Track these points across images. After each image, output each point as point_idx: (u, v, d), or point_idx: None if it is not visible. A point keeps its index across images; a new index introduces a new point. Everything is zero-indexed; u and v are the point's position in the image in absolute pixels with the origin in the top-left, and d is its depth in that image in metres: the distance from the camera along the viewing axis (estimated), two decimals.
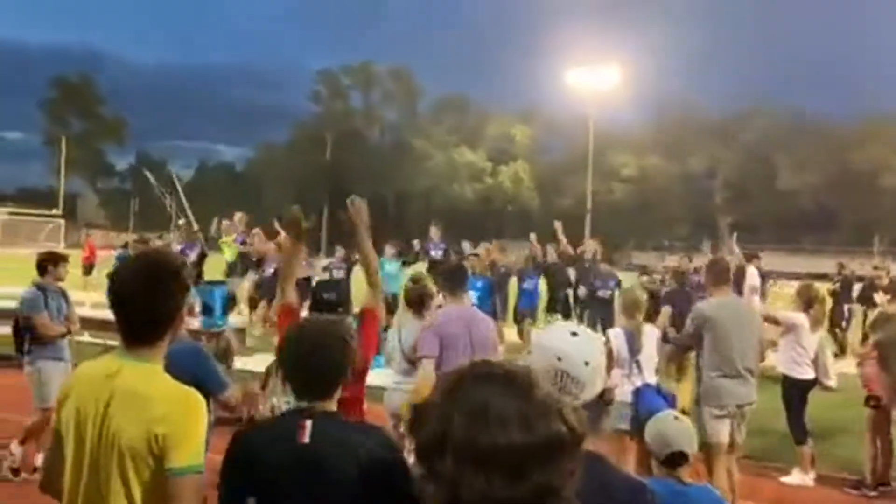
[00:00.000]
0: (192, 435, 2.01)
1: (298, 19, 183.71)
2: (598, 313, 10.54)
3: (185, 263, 2.29)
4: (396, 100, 77.55)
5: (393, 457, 2.09)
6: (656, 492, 1.87)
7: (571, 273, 12.02)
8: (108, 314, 2.35)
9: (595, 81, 47.30)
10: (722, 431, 5.01)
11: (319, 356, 2.19)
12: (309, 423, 2.10)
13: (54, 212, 48.68)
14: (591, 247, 12.37)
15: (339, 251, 12.72)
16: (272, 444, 2.11)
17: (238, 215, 13.66)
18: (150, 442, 1.96)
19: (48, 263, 6.15)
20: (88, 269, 20.81)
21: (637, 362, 5.19)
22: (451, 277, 4.93)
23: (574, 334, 1.95)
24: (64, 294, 6.25)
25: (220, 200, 75.11)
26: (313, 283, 5.64)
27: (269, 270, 12.06)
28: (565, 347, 1.88)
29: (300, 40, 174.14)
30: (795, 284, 7.35)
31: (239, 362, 6.87)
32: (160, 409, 1.98)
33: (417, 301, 5.43)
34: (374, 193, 73.57)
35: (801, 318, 6.44)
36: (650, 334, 5.50)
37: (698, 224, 62.71)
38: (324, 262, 13.28)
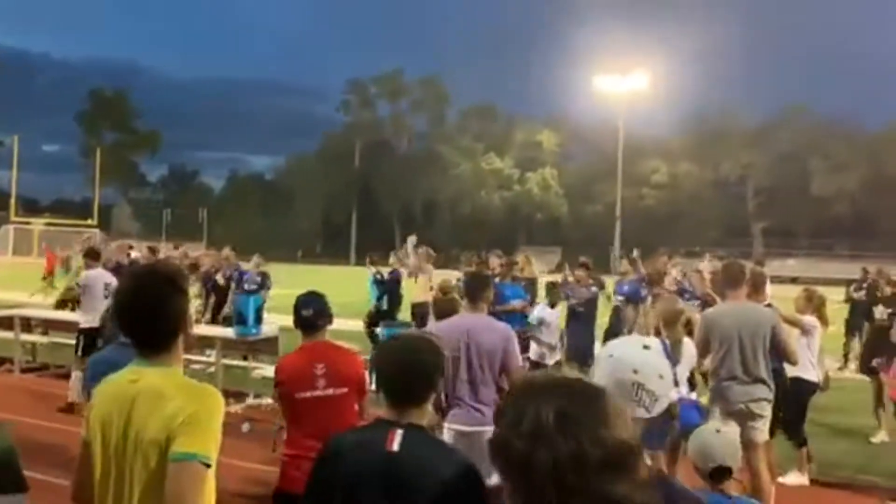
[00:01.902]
0: (204, 426, 2.01)
1: (327, 30, 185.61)
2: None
3: (180, 271, 2.36)
4: (424, 108, 77.85)
5: (474, 480, 2.12)
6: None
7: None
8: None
9: (624, 87, 47.10)
10: (734, 428, 4.99)
11: (413, 367, 2.27)
12: (400, 431, 2.16)
13: (89, 222, 49.62)
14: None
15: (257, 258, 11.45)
16: (361, 447, 2.19)
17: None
18: (168, 435, 1.99)
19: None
20: (48, 276, 20.99)
21: (674, 374, 5.11)
22: (469, 284, 4.92)
23: (646, 347, 1.96)
24: None
25: (250, 210, 76.34)
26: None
27: None
28: (640, 360, 1.89)
29: (329, 51, 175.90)
30: (831, 290, 7.57)
31: None
32: (177, 402, 2.02)
33: (444, 310, 5.40)
34: (402, 202, 74.09)
35: (816, 322, 6.63)
36: (688, 345, 5.43)
37: (730, 230, 61.98)
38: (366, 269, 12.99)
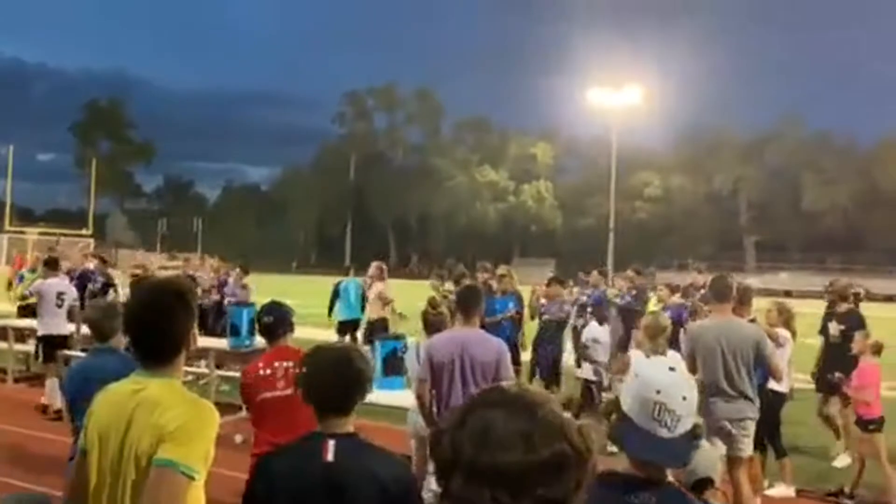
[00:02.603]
0: (193, 437, 2.03)
1: (323, 42, 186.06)
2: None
3: (190, 288, 2.42)
4: (419, 121, 78.09)
5: (411, 482, 2.27)
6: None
7: None
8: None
9: (617, 100, 47.32)
10: (717, 446, 5.02)
11: (350, 376, 2.36)
12: (332, 442, 2.24)
13: (84, 232, 49.48)
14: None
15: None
16: (297, 462, 2.24)
17: None
18: (157, 441, 2.02)
19: None
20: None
21: None
22: (462, 298, 4.95)
23: (672, 369, 2.01)
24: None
25: (245, 220, 76.30)
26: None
27: None
28: (665, 381, 1.94)
29: (325, 62, 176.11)
30: (821, 304, 7.43)
31: None
32: (172, 412, 2.05)
33: (433, 325, 5.47)
34: (397, 213, 74.20)
35: (788, 334, 6.71)
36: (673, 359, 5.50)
37: (723, 244, 62.17)
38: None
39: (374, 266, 11.69)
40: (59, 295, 8.77)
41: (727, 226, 64.79)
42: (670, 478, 2.02)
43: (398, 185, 71.68)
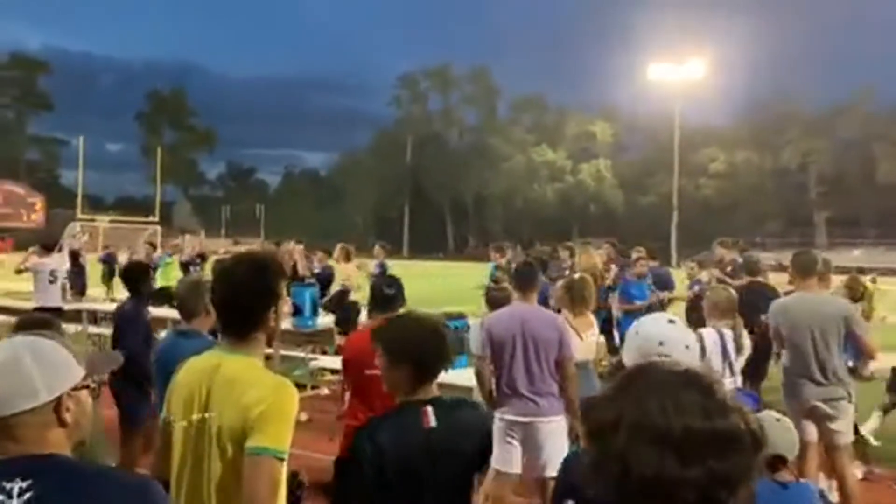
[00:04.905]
0: (280, 420, 2.04)
1: (377, 26, 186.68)
2: None
3: (279, 265, 2.39)
4: (475, 101, 77.81)
5: (489, 424, 2.47)
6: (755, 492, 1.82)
7: None
8: None
9: (679, 75, 46.17)
10: (807, 430, 4.78)
11: (433, 343, 2.37)
12: (430, 408, 2.25)
13: (151, 219, 51.01)
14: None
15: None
16: (401, 430, 2.24)
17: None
18: (245, 424, 2.02)
19: None
20: None
21: (730, 364, 5.00)
22: (519, 276, 4.92)
23: (671, 321, 2.04)
24: None
25: (305, 205, 77.48)
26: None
27: None
28: (666, 333, 1.96)
29: (380, 46, 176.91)
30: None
31: None
32: (255, 393, 2.05)
33: (497, 302, 5.41)
34: (454, 195, 74.23)
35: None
36: (745, 336, 5.29)
37: (792, 220, 60.28)
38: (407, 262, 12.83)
39: (338, 248, 11.46)
40: (52, 272, 9.77)
41: (796, 201, 62.69)
42: None
43: (454, 166, 71.68)
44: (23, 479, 1.44)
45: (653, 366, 1.14)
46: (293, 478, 2.21)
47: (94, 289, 16.51)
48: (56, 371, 1.53)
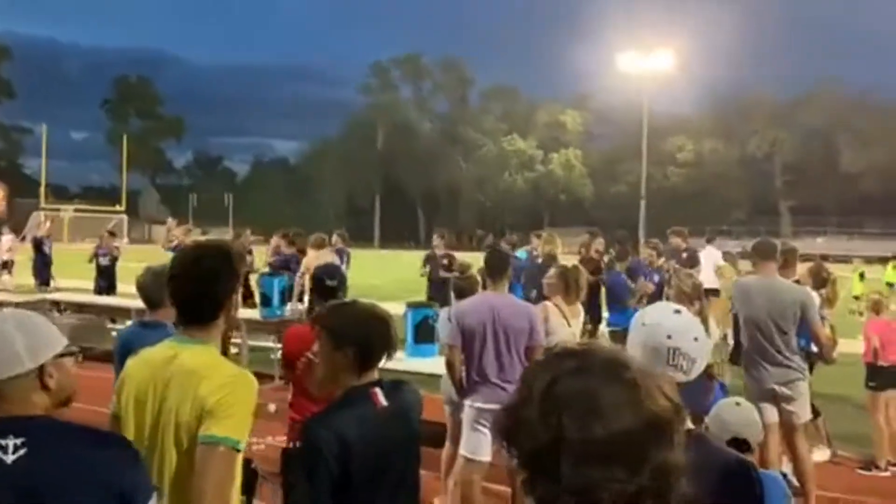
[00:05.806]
0: (237, 411, 2.00)
1: (348, 14, 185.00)
2: None
3: (240, 253, 2.37)
4: (446, 90, 77.50)
5: (422, 404, 2.50)
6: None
7: None
8: None
9: (647, 65, 46.45)
10: (767, 412, 4.85)
11: (378, 327, 2.34)
12: (378, 389, 2.28)
13: (117, 208, 50.18)
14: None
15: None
16: (354, 417, 2.20)
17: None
18: (200, 415, 1.98)
19: None
20: None
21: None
22: (490, 264, 4.94)
23: (677, 311, 1.95)
24: None
25: (275, 194, 76.68)
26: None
27: None
28: (673, 324, 1.88)
29: (350, 35, 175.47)
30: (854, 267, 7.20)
31: None
32: (212, 383, 2.01)
33: (462, 292, 5.43)
34: (426, 184, 73.98)
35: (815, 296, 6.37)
36: (712, 323, 5.38)
37: (758, 208, 61.15)
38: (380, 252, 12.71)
39: (312, 237, 11.37)
40: None
41: (762, 190, 63.62)
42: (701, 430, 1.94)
43: (426, 155, 71.39)
44: (15, 437, 1.59)
45: (566, 360, 1.07)
46: (246, 465, 2.18)
47: (64, 279, 16.27)
48: (38, 340, 1.68)
